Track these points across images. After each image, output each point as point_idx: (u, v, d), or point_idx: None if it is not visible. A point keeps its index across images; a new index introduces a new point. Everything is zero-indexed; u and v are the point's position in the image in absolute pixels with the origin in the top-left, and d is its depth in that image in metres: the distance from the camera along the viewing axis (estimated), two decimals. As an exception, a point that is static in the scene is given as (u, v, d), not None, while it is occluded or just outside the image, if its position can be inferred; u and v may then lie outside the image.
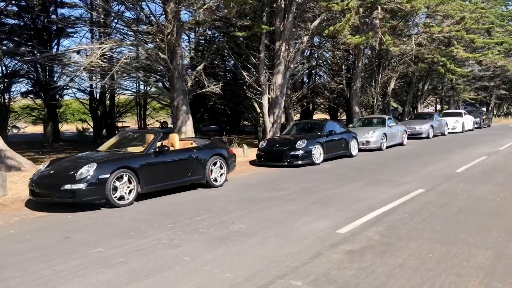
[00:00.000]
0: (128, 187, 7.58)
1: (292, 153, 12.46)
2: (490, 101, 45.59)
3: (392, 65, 28.76)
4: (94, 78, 20.93)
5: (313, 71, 28.31)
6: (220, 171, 9.43)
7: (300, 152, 12.46)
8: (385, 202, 7.36)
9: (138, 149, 8.30)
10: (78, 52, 16.18)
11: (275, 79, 18.90)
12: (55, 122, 26.83)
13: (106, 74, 16.26)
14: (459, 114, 27.10)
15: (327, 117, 34.71)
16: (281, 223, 6.15)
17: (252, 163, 13.38)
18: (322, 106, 32.38)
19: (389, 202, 7.35)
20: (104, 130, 29.50)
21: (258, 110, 19.55)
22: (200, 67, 19.50)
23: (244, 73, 19.25)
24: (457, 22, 24.20)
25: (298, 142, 12.64)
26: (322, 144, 13.13)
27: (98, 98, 25.81)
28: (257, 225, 6.05)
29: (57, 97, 26.32)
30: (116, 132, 33.72)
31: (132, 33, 17.03)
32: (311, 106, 30.95)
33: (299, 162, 12.44)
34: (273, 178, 10.69)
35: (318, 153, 12.94)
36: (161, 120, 36.54)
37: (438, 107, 46.47)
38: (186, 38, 24.60)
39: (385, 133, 16.91)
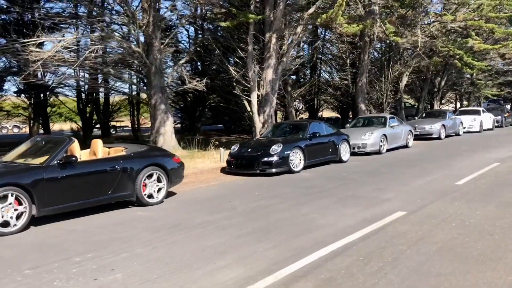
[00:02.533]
0: (16, 209, 5.93)
1: (265, 159, 10.64)
2: (515, 98, 42.55)
3: (404, 59, 26.52)
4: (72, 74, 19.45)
5: (317, 66, 26.26)
6: (157, 185, 7.70)
7: (274, 159, 10.62)
8: (344, 232, 5.51)
9: (41, 160, 6.63)
10: (40, 44, 14.71)
11: (265, 74, 17.10)
12: (45, 122, 25.64)
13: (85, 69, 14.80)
14: (477, 112, 24.68)
15: (337, 115, 32.61)
16: (180, 271, 4.39)
17: (224, 170, 11.64)
18: (328, 103, 30.30)
19: (349, 232, 5.50)
20: (100, 131, 28.31)
21: (248, 109, 17.77)
22: (182, 61, 17.88)
23: (231, 68, 17.49)
24: (473, 11, 21.83)
25: (273, 147, 10.82)
26: (302, 149, 11.26)
27: (85, 97, 24.38)
28: (142, 275, 4.30)
29: (46, 95, 25.08)
30: (114, 132, 32.55)
31: (103, 23, 15.40)
32: (316, 104, 28.92)
33: (273, 170, 10.61)
34: (232, 191, 8.91)
35: (297, 159, 11.08)
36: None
37: (458, 104, 43.73)
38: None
39: (385, 135, 14.88)
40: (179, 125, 33.11)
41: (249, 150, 11.18)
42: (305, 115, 31.11)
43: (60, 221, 6.49)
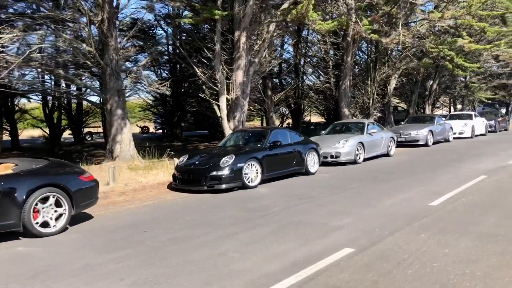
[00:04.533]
0: None
1: (214, 173, 9.13)
2: (510, 101, 41.14)
3: (392, 61, 25.08)
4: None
5: (299, 69, 24.80)
6: (55, 211, 6.18)
7: (225, 172, 9.11)
8: (255, 286, 4.01)
9: None
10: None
11: (234, 76, 15.64)
12: (13, 129, 24.16)
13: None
14: (469, 117, 23.23)
15: (322, 120, 31.16)
16: None
17: (171, 185, 10.14)
18: (312, 108, 28.85)
19: (264, 285, 4.00)
20: (72, 137, 26.79)
21: (218, 114, 16.27)
22: (142, 63, 16.41)
23: (197, 69, 16.01)
24: (463, 8, 20.42)
25: (223, 159, 9.31)
26: (259, 160, 9.76)
27: (52, 102, 22.85)
28: None
29: (13, 100, 23.60)
30: (90, 138, 30.95)
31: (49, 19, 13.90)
32: (301, 108, 27.46)
33: (223, 186, 9.10)
34: (160, 215, 7.39)
35: (252, 172, 9.58)
36: (141, 125, 33.51)
37: (453, 108, 42.26)
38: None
39: (361, 142, 13.40)
40: (160, 131, 31.68)
41: (197, 162, 9.67)
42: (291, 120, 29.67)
43: None
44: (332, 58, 22.60)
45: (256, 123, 29.47)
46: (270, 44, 17.52)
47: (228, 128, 15.69)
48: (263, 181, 9.96)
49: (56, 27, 13.25)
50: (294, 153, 10.88)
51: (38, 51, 13.35)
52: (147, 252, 5.21)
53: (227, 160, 9.26)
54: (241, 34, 15.40)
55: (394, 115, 30.81)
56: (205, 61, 16.23)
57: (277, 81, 27.13)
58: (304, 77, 23.82)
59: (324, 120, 30.28)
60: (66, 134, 27.55)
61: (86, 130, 29.45)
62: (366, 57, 26.07)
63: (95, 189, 6.90)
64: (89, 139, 29.83)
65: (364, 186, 9.28)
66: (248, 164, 9.49)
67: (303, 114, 29.69)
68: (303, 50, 24.61)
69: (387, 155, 14.86)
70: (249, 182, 9.46)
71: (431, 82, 30.39)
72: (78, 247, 5.56)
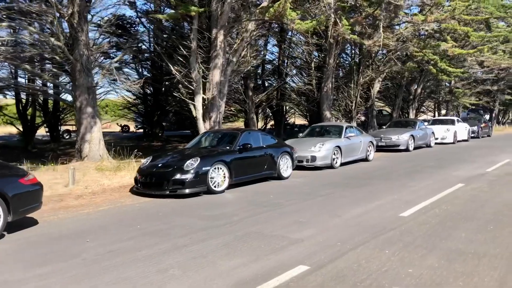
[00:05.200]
0: None
1: (177, 177, 8.58)
2: (494, 107, 41.22)
3: (376, 64, 24.75)
4: None
5: (282, 69, 24.33)
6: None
7: (188, 176, 8.57)
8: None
9: None
10: None
11: (211, 75, 15.12)
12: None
13: None
14: (451, 122, 23.00)
15: (306, 122, 30.72)
16: None
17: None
18: (295, 110, 28.41)
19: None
20: (49, 134, 25.98)
21: (194, 114, 15.72)
22: (116, 59, 15.79)
23: (173, 68, 15.44)
24: (446, 12, 20.16)
25: (188, 162, 8.77)
26: (227, 164, 9.24)
27: (26, 98, 22.09)
28: None
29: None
30: (68, 136, 30.07)
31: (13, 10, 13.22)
32: (284, 110, 27.00)
33: (186, 191, 8.56)
34: (111, 222, 6.83)
35: (219, 176, 9.06)
36: (122, 124, 32.72)
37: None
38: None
39: (339, 146, 12.97)
40: (141, 130, 30.95)
41: (159, 164, 9.11)
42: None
43: None
44: (315, 60, 22.15)
45: (240, 124, 28.90)
46: (249, 43, 17.03)
47: (203, 128, 15.18)
48: (231, 186, 9.46)
49: (22, 20, 12.60)
50: (266, 156, 10.38)
51: (0, 44, 12.67)
52: (79, 267, 4.66)
53: (192, 163, 8.73)
54: (218, 32, 14.89)
55: (378, 118, 30.53)
56: (181, 59, 15.65)
57: (260, 82, 26.68)
58: (287, 79, 23.29)
59: (307, 122, 29.88)
60: (44, 131, 26.74)
61: (64, 128, 28.62)
62: (350, 59, 25.72)
63: (38, 193, 6.32)
64: (67, 137, 29.00)
65: (336, 193, 8.82)
66: (215, 168, 8.96)
67: (286, 116, 29.22)
68: (286, 51, 24.13)
69: (365, 159, 14.47)
70: (215, 187, 8.94)
71: (416, 86, 30.19)
72: (4, 259, 4.99)
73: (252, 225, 6.30)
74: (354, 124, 23.65)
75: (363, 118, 29.27)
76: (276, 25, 21.82)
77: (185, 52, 15.17)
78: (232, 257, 4.89)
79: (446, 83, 34.44)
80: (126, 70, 24.41)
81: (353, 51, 25.17)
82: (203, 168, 8.75)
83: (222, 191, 9.06)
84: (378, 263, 4.62)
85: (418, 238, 5.53)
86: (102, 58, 17.31)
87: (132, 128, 32.72)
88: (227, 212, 7.27)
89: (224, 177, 9.17)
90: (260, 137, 10.73)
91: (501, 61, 31.23)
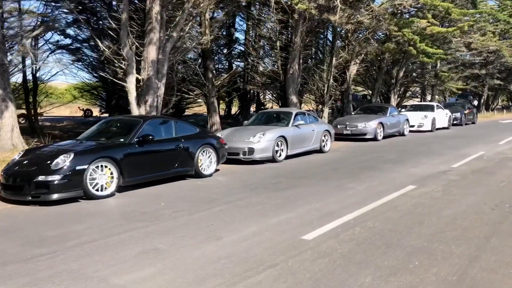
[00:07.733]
0: None
1: (41, 178, 6.63)
2: (482, 92, 39.33)
3: (352, 45, 22.71)
4: None
5: (247, 50, 22.22)
6: None
7: (56, 178, 6.63)
8: None
9: None
10: None
11: (146, 52, 13.13)
12: None
13: None
14: (430, 108, 21.11)
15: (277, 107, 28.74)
16: None
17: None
18: (262, 93, 26.42)
19: None
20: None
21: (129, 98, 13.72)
22: (34, 34, 13.72)
23: (100, 43, 13.37)
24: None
25: (58, 158, 6.83)
26: (116, 161, 7.30)
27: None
28: None
29: None
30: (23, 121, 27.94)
31: None
32: (251, 94, 25.02)
33: (53, 197, 6.61)
34: None
35: (104, 177, 7.12)
36: (84, 108, 30.58)
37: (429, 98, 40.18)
38: None
39: (283, 136, 11.06)
40: (107, 114, 28.90)
41: (25, 162, 7.16)
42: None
43: None
44: (279, 39, 20.07)
45: (202, 109, 26.85)
46: (195, 16, 14.97)
47: (137, 113, 13.22)
48: (129, 187, 7.57)
49: None
50: (178, 150, 8.45)
51: None
52: None
53: (63, 160, 6.79)
54: (153, 2, 12.86)
55: (362, 104, 28.51)
56: (111, 33, 13.60)
57: (227, 64, 24.62)
58: (252, 59, 21.20)
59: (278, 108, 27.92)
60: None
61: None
62: (322, 38, 23.67)
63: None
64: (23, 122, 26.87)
65: (246, 199, 6.92)
66: (97, 166, 7.03)
67: (258, 101, 27.25)
68: (251, 29, 22.02)
69: (320, 151, 12.58)
70: (97, 190, 7.02)
71: (397, 69, 28.21)
72: None
73: (74, 259, 4.38)
74: (326, 109, 21.79)
75: (339, 104, 27.33)
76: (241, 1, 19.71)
77: (114, 25, 13.13)
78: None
79: (432, 66, 32.46)
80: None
81: (325, 31, 23.04)
82: (78, 167, 6.81)
83: (108, 195, 7.15)
84: None
85: (304, 281, 3.66)
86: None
87: (96, 113, 30.59)
88: (80, 230, 5.36)
89: (112, 177, 7.24)
90: (173, 126, 8.77)
91: (489, 42, 29.34)
